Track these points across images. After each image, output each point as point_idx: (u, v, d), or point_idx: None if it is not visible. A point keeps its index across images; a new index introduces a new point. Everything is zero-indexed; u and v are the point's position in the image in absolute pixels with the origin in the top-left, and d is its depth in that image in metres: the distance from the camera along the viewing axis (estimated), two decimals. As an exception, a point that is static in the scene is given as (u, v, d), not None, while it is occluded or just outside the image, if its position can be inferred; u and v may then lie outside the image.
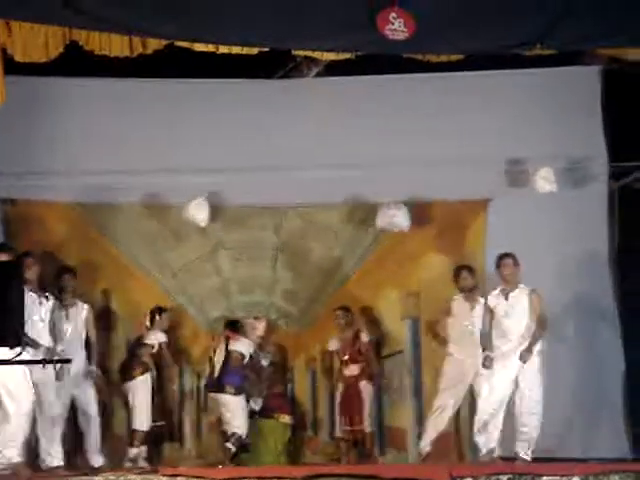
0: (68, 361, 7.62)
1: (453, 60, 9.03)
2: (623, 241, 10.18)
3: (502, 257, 9.00)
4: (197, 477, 7.43)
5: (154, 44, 8.27)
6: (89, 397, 9.11)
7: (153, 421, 9.60)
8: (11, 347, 5.85)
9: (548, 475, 7.40)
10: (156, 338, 9.73)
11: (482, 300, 9.15)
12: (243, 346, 9.80)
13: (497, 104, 10.22)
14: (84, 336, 9.14)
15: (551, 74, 10.12)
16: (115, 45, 8.24)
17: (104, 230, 10.22)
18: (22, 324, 5.90)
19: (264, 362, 10.18)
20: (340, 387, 9.99)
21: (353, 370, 9.94)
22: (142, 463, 9.30)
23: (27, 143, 9.76)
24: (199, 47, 8.36)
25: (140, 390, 9.58)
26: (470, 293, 9.46)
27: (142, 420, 9.50)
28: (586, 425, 9.72)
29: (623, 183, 10.34)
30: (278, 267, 10.48)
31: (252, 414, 9.93)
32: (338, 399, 9.98)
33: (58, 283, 9.18)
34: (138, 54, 8.32)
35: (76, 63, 8.82)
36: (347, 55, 8.95)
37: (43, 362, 7.38)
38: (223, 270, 10.44)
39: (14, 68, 8.25)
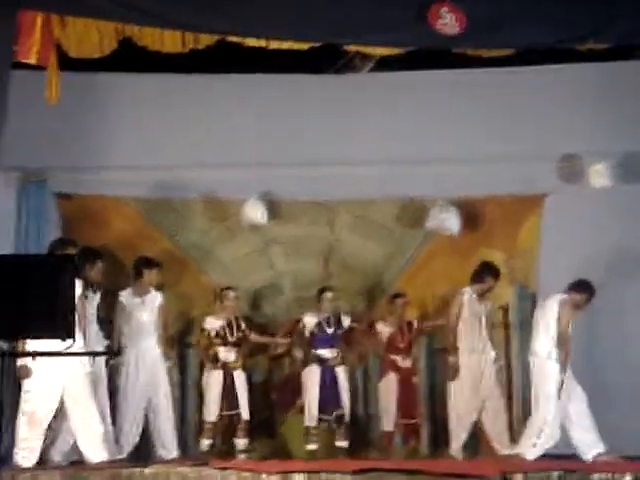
0: (118, 353, 7.67)
1: (505, 55, 9.00)
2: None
3: None
4: (248, 470, 7.46)
5: (206, 39, 8.34)
6: (162, 385, 9.12)
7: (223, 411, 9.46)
8: (63, 339, 5.93)
9: (599, 472, 7.34)
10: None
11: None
12: None
13: (550, 99, 10.13)
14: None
15: (606, 68, 10.01)
16: (168, 41, 8.32)
17: (159, 225, 10.30)
18: (73, 317, 5.96)
19: (298, 354, 10.13)
20: (393, 377, 9.84)
21: (407, 362, 9.88)
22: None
23: (83, 138, 9.84)
24: (250, 42, 8.40)
25: (206, 381, 9.58)
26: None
27: (210, 411, 9.45)
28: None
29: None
30: (330, 263, 10.49)
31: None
32: (394, 390, 9.78)
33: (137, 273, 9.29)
34: (190, 50, 8.39)
35: (129, 58, 8.92)
36: (399, 50, 8.96)
37: (92, 354, 7.48)
38: (276, 265, 10.47)
39: (69, 64, 8.37)
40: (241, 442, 9.41)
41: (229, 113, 10.20)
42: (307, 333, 9.68)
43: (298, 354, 9.77)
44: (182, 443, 9.38)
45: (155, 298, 9.31)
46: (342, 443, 9.49)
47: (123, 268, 9.72)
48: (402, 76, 10.20)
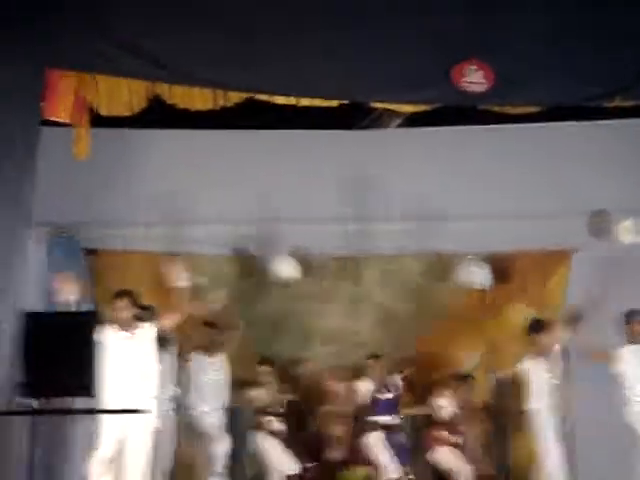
0: (136, 411, 7.63)
1: (534, 111, 9.00)
2: None
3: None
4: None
5: (235, 97, 8.36)
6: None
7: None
8: (86, 396, 5.94)
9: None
10: None
11: None
12: None
13: (580, 155, 10.15)
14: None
15: (634, 125, 10.02)
16: (197, 99, 8.35)
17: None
18: (93, 374, 5.97)
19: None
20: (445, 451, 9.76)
21: (460, 440, 9.83)
22: None
23: (109, 194, 9.89)
24: (279, 100, 8.43)
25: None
26: None
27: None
28: None
29: None
30: (358, 318, 10.46)
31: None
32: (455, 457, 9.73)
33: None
34: (220, 107, 8.43)
35: (160, 115, 8.97)
36: (426, 107, 8.98)
37: (111, 412, 7.45)
38: (304, 320, 10.45)
39: (98, 120, 8.43)
40: None
41: (256, 168, 10.22)
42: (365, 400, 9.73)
43: None
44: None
45: None
46: None
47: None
48: (431, 132, 10.25)
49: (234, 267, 10.41)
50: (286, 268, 10.01)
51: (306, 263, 10.25)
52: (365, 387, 9.72)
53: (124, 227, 9.99)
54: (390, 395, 9.71)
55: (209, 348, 9.48)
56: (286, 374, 10.20)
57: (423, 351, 10.36)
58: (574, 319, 9.16)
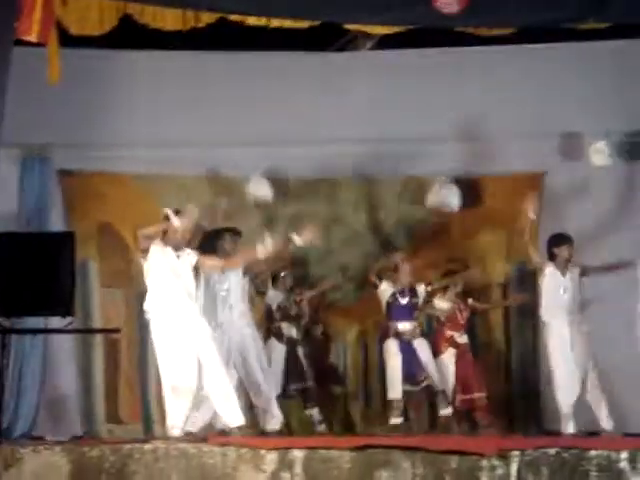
0: (116, 331, 7.70)
1: (506, 33, 9.00)
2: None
3: None
4: (247, 446, 7.49)
5: (207, 18, 8.34)
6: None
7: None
8: (63, 316, 6.00)
9: (596, 449, 7.37)
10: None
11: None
12: None
13: (551, 77, 10.15)
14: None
15: (606, 47, 10.04)
16: (169, 18, 8.33)
17: (161, 202, 10.29)
18: (72, 294, 6.02)
19: (316, 332, 10.24)
20: (451, 352, 9.83)
21: (464, 339, 9.90)
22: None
23: (83, 115, 9.84)
24: (251, 21, 8.41)
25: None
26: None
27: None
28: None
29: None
30: (331, 240, 10.51)
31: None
32: (450, 366, 9.76)
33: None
34: (191, 27, 8.39)
35: (130, 36, 8.92)
36: (400, 28, 8.97)
37: (90, 332, 7.52)
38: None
39: (69, 41, 8.38)
40: (313, 412, 9.61)
41: (231, 90, 10.21)
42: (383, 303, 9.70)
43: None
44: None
45: None
46: (444, 411, 9.55)
47: (125, 244, 9.76)
48: (403, 54, 10.23)
49: (209, 188, 10.39)
50: (261, 189, 10.01)
51: (280, 185, 10.27)
52: (385, 286, 9.70)
53: (99, 149, 9.98)
54: (406, 300, 9.70)
55: None
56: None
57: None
58: None
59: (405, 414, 9.62)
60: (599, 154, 9.84)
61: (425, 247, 10.42)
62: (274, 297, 9.78)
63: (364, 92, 10.27)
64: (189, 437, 7.83)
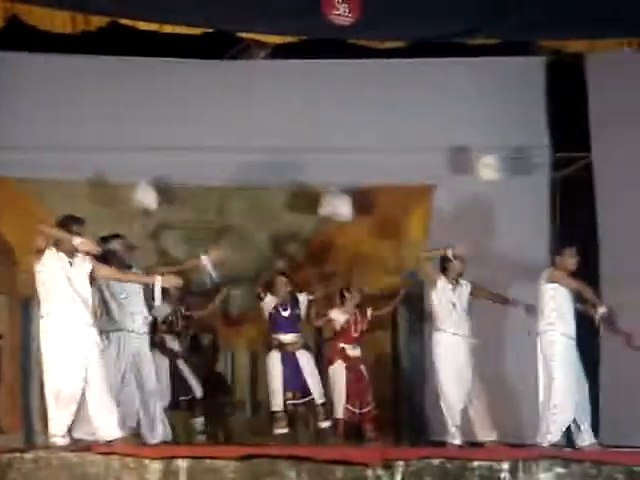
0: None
1: (398, 47, 9.10)
2: (562, 230, 10.25)
3: None
4: (131, 456, 7.41)
5: (96, 21, 8.25)
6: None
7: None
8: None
9: (479, 460, 7.47)
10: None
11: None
12: None
13: (442, 91, 10.29)
14: None
15: (496, 63, 10.22)
16: (57, 21, 8.21)
17: (45, 207, 10.14)
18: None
19: (205, 342, 10.20)
20: (341, 365, 9.78)
21: (357, 352, 9.86)
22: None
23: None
24: (142, 26, 8.34)
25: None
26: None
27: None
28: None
29: (565, 173, 10.45)
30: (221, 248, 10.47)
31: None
32: (342, 380, 9.70)
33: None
34: (81, 31, 8.29)
35: (19, 38, 8.78)
36: (293, 39, 8.99)
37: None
38: (166, 251, 10.42)
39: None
40: (197, 421, 9.58)
41: (120, 95, 10.10)
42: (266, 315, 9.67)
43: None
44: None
45: None
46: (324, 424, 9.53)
47: (9, 249, 9.59)
48: (296, 64, 10.25)
49: (94, 195, 10.25)
50: (146, 197, 9.91)
51: (168, 193, 10.18)
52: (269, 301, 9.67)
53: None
54: (288, 312, 9.66)
55: None
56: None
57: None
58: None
59: (291, 425, 9.61)
60: (488, 168, 9.97)
61: (315, 257, 10.48)
62: (162, 309, 9.66)
63: (254, 101, 10.27)
64: (72, 446, 7.68)
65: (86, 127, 9.98)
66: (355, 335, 9.87)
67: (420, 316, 10.16)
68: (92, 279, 7.85)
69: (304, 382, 9.53)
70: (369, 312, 9.93)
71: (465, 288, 9.19)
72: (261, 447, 8.21)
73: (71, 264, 7.73)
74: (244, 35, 9.27)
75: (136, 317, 8.69)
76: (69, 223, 7.76)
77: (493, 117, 10.20)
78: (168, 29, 8.41)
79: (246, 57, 10.34)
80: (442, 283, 9.14)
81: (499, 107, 10.20)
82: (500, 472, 7.33)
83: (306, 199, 10.33)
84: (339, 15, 8.28)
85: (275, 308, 9.61)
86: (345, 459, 7.40)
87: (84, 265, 7.80)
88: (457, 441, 8.97)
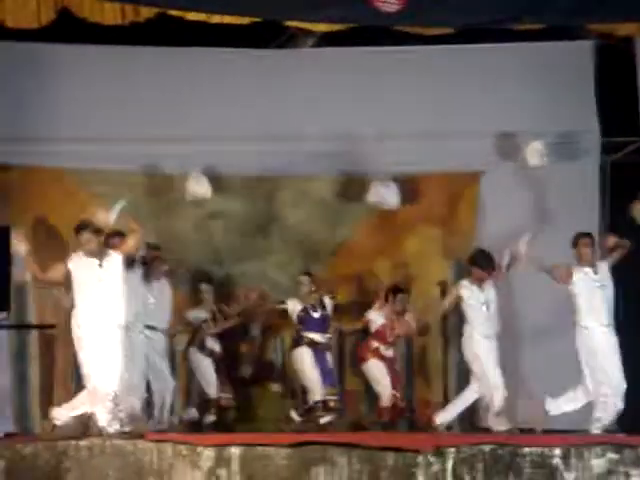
0: (52, 327, 7.61)
1: (445, 33, 9.06)
2: (614, 216, 10.17)
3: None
4: (184, 443, 7.47)
5: (146, 12, 8.29)
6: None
7: None
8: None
9: (530, 446, 7.45)
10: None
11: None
12: None
13: (490, 77, 10.27)
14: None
15: (544, 48, 10.16)
16: (107, 12, 8.26)
17: (98, 197, 10.24)
18: (7, 289, 5.97)
19: (255, 331, 10.24)
20: (375, 361, 9.82)
21: (391, 352, 9.90)
22: None
23: (21, 110, 9.76)
24: (191, 16, 8.37)
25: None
26: None
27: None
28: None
29: (614, 158, 10.37)
30: (270, 237, 10.51)
31: (242, 382, 10.07)
32: (383, 371, 9.76)
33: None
34: (130, 22, 8.34)
35: (69, 30, 8.84)
36: (340, 26, 8.99)
37: (25, 327, 7.45)
38: (216, 239, 10.47)
39: (6, 34, 8.29)
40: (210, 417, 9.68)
41: (170, 86, 10.18)
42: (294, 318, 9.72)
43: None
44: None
45: None
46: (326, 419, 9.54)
47: (60, 239, 9.67)
48: (344, 52, 10.26)
49: (147, 185, 10.33)
50: (199, 187, 9.98)
51: (220, 182, 10.24)
52: (293, 305, 9.74)
53: (37, 143, 9.88)
54: (318, 314, 9.73)
55: None
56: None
57: (337, 272, 10.45)
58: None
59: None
60: (536, 154, 9.92)
61: (362, 245, 10.48)
62: (196, 315, 9.84)
63: (303, 90, 10.28)
64: (126, 434, 7.75)
65: (136, 117, 10.04)
66: (390, 339, 9.88)
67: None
68: None
69: (335, 380, 9.66)
70: (407, 317, 9.92)
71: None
72: (312, 434, 8.25)
73: (100, 265, 7.87)
74: (291, 24, 9.24)
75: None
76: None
77: (541, 102, 10.12)
78: (216, 19, 8.42)
79: (293, 46, 10.36)
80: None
81: (547, 92, 10.12)
82: (552, 458, 7.32)
83: (354, 187, 10.34)
84: (385, 2, 8.24)
85: (304, 310, 9.67)
86: (396, 446, 7.42)
87: (113, 261, 7.93)
88: (503, 427, 8.97)
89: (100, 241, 7.88)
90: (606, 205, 10.31)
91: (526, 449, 7.40)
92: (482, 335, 9.09)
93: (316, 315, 9.68)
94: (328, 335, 9.72)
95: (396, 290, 9.90)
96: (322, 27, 9.11)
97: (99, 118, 9.99)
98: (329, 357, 9.68)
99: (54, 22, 8.30)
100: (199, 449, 7.35)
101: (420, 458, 7.28)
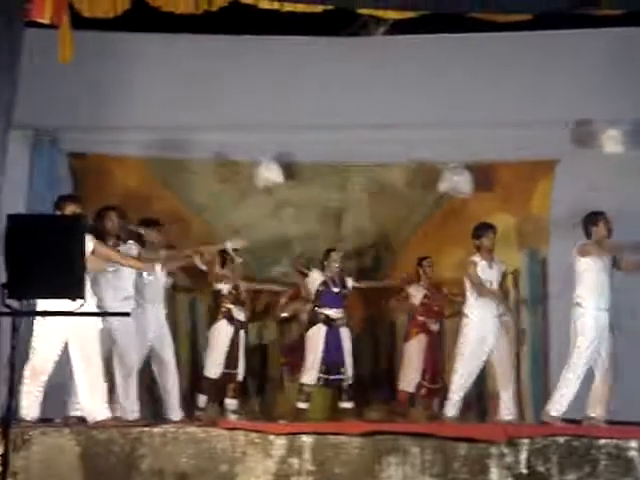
0: (127, 314, 7.66)
1: (521, 19, 8.96)
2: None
3: None
4: (256, 431, 7.50)
5: (220, 1, 8.32)
6: (166, 344, 8.94)
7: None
8: (73, 299, 5.96)
9: (606, 438, 7.37)
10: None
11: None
12: None
13: (566, 64, 10.11)
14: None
15: (621, 34, 9.96)
16: (181, 1, 8.30)
17: (170, 185, 10.32)
18: (83, 276, 6.00)
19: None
20: (423, 339, 9.90)
21: (437, 326, 9.94)
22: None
23: (95, 99, 9.83)
24: (263, 4, 8.38)
25: (213, 337, 9.59)
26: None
27: (210, 368, 9.52)
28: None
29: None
30: (342, 225, 10.51)
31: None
32: (421, 352, 9.86)
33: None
34: (203, 11, 8.37)
35: (143, 19, 8.90)
36: (413, 14, 8.93)
37: (102, 315, 7.52)
38: (287, 228, 10.50)
39: (82, 23, 8.36)
40: (232, 402, 9.55)
41: (243, 74, 10.19)
42: (313, 291, 9.66)
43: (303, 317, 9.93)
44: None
45: None
46: (346, 404, 9.50)
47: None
48: (417, 40, 10.20)
49: (216, 172, 10.37)
50: (272, 173, 10.01)
51: (291, 170, 10.25)
52: (317, 275, 9.68)
53: (110, 132, 9.96)
54: (338, 289, 9.64)
55: None
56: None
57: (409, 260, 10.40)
58: None
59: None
60: (613, 142, 9.79)
61: (435, 233, 10.42)
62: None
63: (375, 78, 10.24)
64: (198, 421, 7.80)
65: (209, 106, 10.04)
66: (436, 309, 9.90)
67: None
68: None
69: (342, 358, 9.51)
70: (445, 289, 9.98)
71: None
72: (384, 424, 8.24)
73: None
74: (363, 11, 9.20)
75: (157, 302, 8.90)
76: None
77: (618, 89, 9.92)
78: (288, 7, 8.42)
79: (365, 33, 10.32)
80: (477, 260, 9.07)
81: (624, 79, 9.92)
82: (628, 450, 7.25)
83: (427, 175, 10.28)
84: (459, -11, 8.18)
85: (325, 284, 9.60)
86: (469, 436, 7.39)
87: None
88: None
89: None
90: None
91: (602, 441, 7.32)
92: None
93: (335, 290, 9.61)
94: (342, 311, 9.61)
95: (420, 260, 9.96)
96: (394, 14, 9.06)
97: (171, 107, 10.01)
98: (344, 333, 9.57)
99: (128, 11, 8.34)
100: (271, 437, 7.38)
101: (493, 449, 7.24)
